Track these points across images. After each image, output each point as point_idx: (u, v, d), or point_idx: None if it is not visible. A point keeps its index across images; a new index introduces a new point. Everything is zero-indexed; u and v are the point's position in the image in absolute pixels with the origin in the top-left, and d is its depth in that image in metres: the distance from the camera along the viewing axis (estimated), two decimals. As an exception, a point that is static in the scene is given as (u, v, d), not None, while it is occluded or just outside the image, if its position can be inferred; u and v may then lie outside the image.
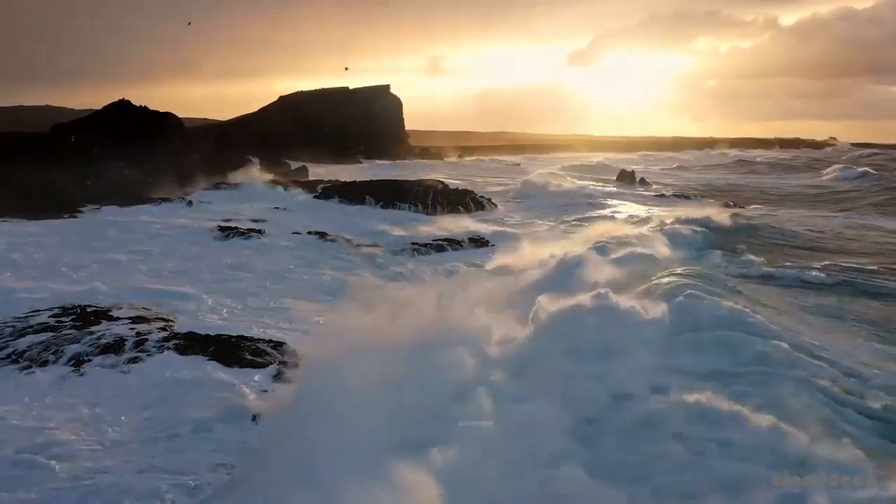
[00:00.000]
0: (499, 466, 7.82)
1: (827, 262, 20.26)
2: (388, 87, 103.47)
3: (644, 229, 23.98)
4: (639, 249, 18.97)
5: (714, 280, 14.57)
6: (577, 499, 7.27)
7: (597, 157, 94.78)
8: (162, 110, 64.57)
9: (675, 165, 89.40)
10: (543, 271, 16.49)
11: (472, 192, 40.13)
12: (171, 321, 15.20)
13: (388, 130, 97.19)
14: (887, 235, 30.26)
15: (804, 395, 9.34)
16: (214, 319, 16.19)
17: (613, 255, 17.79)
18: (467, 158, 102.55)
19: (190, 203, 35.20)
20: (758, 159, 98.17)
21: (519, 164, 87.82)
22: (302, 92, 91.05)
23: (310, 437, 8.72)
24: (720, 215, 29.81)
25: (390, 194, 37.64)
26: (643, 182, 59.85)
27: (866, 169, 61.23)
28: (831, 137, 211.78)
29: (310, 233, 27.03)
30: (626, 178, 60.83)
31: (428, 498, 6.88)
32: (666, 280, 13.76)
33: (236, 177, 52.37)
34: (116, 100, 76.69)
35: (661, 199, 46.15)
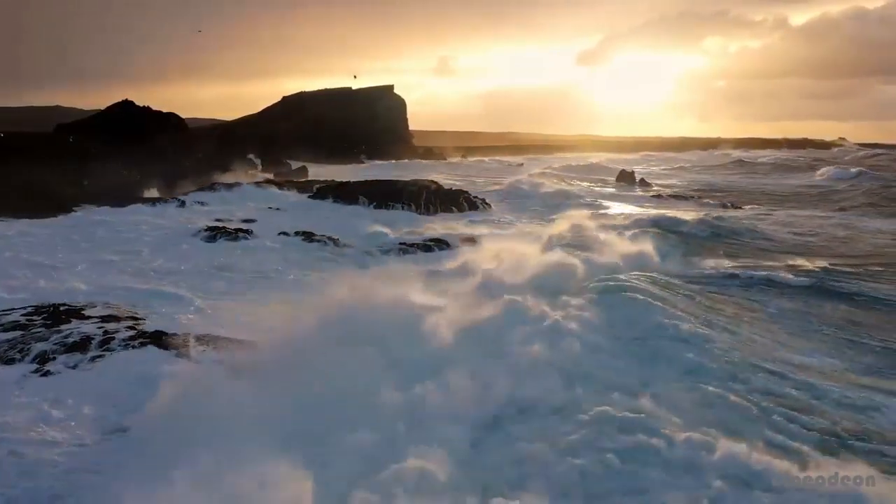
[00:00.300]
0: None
1: (794, 262, 20.31)
2: (391, 87, 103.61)
3: (612, 231, 24.03)
4: (593, 253, 19.12)
5: (658, 283, 14.69)
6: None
7: (598, 158, 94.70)
8: (170, 111, 65.19)
9: (675, 166, 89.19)
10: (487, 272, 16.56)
11: (467, 192, 40.16)
12: (142, 320, 15.31)
13: (392, 130, 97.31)
14: (855, 233, 30.53)
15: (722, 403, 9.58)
16: (189, 318, 16.31)
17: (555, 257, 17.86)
18: (470, 159, 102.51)
19: (183, 203, 35.34)
20: (759, 160, 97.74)
21: (522, 165, 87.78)
22: (304, 92, 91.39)
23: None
24: (700, 215, 29.91)
25: (384, 194, 37.69)
26: (643, 183, 59.78)
27: (861, 169, 60.86)
28: (840, 138, 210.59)
29: (296, 233, 27.13)
30: (625, 178, 60.79)
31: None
32: (603, 284, 14.02)
33: (234, 177, 52.73)
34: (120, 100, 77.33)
35: (657, 199, 46.05)
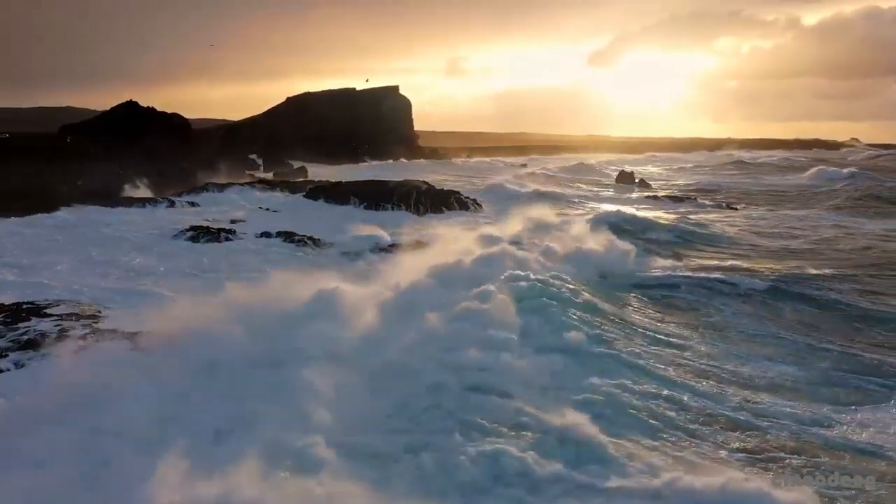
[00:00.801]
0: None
1: (753, 265, 20.28)
2: (396, 87, 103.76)
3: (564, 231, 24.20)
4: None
5: (587, 286, 14.98)
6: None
7: (604, 158, 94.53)
8: (180, 111, 65.78)
9: (676, 167, 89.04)
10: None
11: (458, 192, 40.25)
12: (102, 316, 15.51)
13: (397, 131, 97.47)
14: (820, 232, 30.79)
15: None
16: (147, 316, 16.45)
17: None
18: (475, 159, 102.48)
19: (173, 203, 35.67)
20: (759, 160, 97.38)
21: (525, 165, 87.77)
22: (309, 93, 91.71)
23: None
24: (673, 217, 30.00)
25: (375, 195, 37.85)
26: (642, 183, 59.61)
27: (854, 170, 60.37)
28: (853, 138, 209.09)
29: (278, 233, 27.34)
30: (625, 179, 60.68)
31: None
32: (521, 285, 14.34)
33: (236, 177, 53.11)
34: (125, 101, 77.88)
35: (652, 200, 45.80)
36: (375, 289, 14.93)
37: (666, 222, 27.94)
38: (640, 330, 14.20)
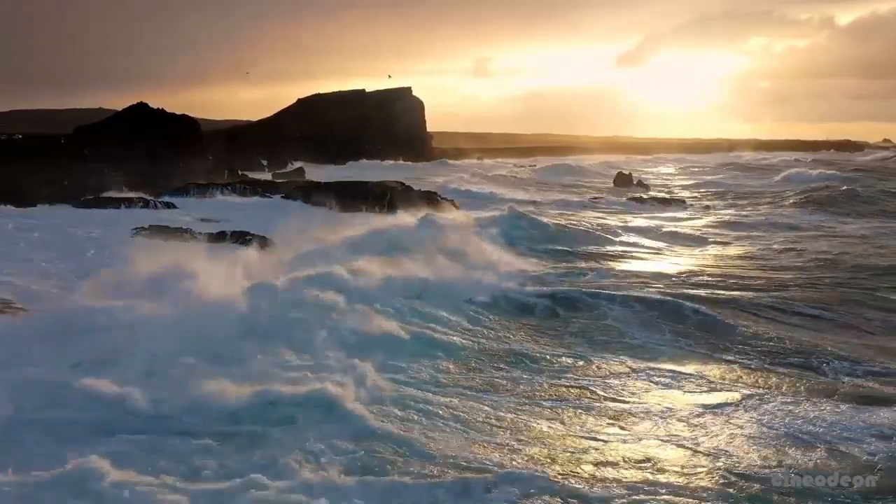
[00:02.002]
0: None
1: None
2: (409, 89, 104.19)
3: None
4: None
5: None
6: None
7: (613, 159, 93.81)
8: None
9: (676, 168, 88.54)
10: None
11: (435, 193, 40.23)
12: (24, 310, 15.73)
13: (408, 132, 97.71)
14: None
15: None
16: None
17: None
18: (488, 161, 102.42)
19: (148, 203, 36.17)
20: (763, 162, 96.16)
21: (534, 166, 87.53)
22: (318, 94, 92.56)
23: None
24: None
25: (350, 195, 38.02)
26: (640, 184, 59.00)
27: (834, 171, 58.82)
28: (885, 140, 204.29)
29: (232, 233, 27.57)
30: (622, 180, 60.05)
31: None
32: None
33: (231, 177, 53.68)
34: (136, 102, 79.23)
35: (635, 204, 44.83)
36: None
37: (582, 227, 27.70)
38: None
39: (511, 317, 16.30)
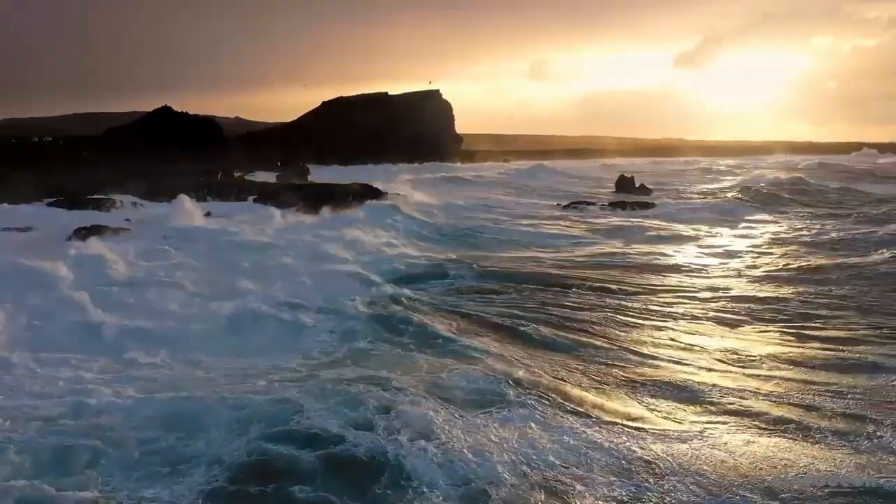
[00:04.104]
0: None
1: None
2: (437, 91, 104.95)
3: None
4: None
5: None
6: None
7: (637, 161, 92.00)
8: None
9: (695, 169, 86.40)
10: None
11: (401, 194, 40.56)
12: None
13: (435, 135, 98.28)
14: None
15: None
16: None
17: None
18: (518, 163, 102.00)
19: (114, 203, 37.42)
20: (801, 164, 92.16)
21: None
22: (343, 97, 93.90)
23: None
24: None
25: (315, 197, 38.63)
26: (643, 189, 57.78)
27: (795, 175, 55.92)
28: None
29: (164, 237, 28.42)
30: (624, 184, 58.91)
31: None
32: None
33: (233, 179, 55.04)
34: (160, 106, 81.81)
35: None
36: None
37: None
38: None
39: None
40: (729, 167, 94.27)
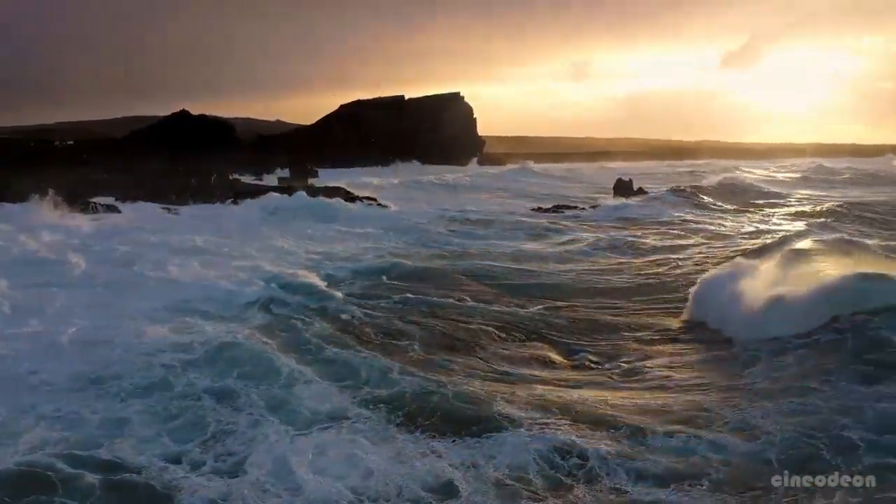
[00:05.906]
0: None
1: None
2: (457, 94, 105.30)
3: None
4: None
5: None
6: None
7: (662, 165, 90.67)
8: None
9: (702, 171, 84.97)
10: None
11: (375, 198, 41.06)
12: None
13: (454, 138, 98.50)
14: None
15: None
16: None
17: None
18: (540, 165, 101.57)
19: (88, 206, 38.59)
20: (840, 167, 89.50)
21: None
22: (359, 101, 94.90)
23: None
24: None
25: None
26: (640, 192, 57.11)
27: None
28: None
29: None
30: (622, 187, 58.29)
31: None
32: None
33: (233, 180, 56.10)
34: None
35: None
36: None
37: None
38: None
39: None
40: (726, 168, 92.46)
